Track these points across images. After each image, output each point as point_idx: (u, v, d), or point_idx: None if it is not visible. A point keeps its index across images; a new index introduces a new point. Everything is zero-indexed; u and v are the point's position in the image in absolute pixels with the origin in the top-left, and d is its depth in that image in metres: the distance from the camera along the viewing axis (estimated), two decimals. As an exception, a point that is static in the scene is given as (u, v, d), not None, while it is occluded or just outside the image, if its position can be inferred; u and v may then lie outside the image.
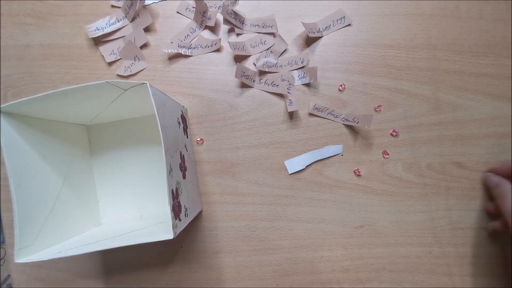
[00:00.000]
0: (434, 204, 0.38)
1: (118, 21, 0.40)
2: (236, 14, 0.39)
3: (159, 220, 0.34)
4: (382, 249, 0.38)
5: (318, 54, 0.39)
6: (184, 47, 0.39)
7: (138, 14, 0.39)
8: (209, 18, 0.39)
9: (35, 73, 0.39)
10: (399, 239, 0.38)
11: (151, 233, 0.28)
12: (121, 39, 0.40)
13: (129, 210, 0.38)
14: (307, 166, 0.39)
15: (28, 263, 0.26)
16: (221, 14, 0.38)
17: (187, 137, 0.36)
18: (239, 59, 0.39)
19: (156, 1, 0.40)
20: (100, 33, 0.39)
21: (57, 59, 0.40)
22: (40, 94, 0.25)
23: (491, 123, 0.39)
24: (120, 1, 0.39)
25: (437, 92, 0.39)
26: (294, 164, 0.39)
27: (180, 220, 0.28)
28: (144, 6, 0.39)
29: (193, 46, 0.39)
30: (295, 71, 0.39)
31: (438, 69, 0.39)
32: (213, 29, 0.40)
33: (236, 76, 0.38)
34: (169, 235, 0.25)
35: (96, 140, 0.39)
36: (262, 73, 0.39)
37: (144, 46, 0.40)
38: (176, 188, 0.28)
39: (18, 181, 0.27)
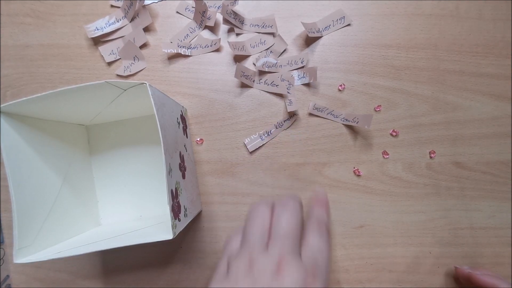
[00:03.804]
0: (434, 204, 0.38)
1: (118, 21, 0.39)
2: (235, 14, 0.39)
3: (159, 220, 0.34)
4: (382, 249, 0.38)
5: (318, 54, 0.39)
6: (183, 47, 0.39)
7: (138, 14, 0.39)
8: (208, 18, 0.39)
9: (34, 73, 0.39)
10: (399, 239, 0.38)
11: (151, 233, 0.27)
12: (120, 39, 0.40)
13: (129, 210, 0.38)
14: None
15: (27, 263, 0.26)
16: (221, 14, 0.38)
17: (187, 137, 0.36)
18: (238, 59, 0.39)
19: (156, 1, 0.40)
20: (99, 33, 0.39)
21: (57, 59, 0.40)
22: (40, 94, 0.25)
23: (491, 123, 0.39)
24: (120, 1, 0.39)
25: (437, 92, 0.39)
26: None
27: (179, 220, 0.28)
28: (144, 6, 0.39)
29: (192, 46, 0.39)
30: (295, 71, 0.39)
31: (438, 69, 0.39)
32: (213, 29, 0.40)
33: (236, 76, 0.38)
34: (169, 235, 0.25)
35: (95, 140, 0.39)
36: (261, 73, 0.39)
37: (144, 46, 0.40)
38: (176, 188, 0.28)
39: (17, 181, 0.27)
